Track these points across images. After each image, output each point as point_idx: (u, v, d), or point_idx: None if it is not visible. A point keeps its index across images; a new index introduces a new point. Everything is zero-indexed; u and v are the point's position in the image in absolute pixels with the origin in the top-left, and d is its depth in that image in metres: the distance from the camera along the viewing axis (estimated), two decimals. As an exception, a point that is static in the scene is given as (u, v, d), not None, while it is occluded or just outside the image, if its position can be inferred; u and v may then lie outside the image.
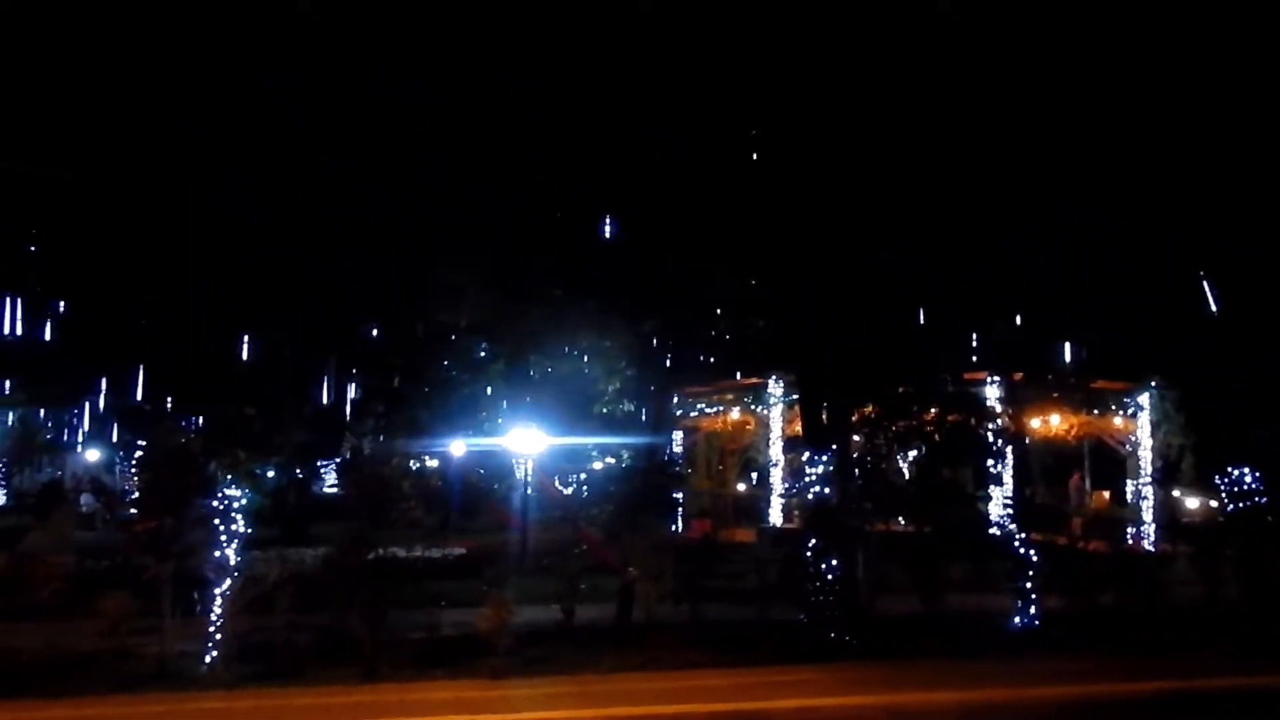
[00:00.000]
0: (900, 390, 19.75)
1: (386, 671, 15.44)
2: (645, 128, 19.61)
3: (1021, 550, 18.96)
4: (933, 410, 20.00)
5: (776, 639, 17.51)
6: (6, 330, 43.94)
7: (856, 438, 20.88)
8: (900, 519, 22.88)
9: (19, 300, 41.32)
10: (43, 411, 53.17)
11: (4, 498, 48.56)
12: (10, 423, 50.77)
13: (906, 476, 21.90)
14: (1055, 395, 30.12)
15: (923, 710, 14.33)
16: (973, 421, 20.27)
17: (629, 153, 19.86)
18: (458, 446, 34.09)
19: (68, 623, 16.16)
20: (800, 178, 18.53)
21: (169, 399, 36.52)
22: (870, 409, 19.92)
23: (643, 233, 20.54)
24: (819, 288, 19.27)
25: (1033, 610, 18.56)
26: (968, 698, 14.50)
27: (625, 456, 25.82)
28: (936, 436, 19.59)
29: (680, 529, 29.85)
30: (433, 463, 45.60)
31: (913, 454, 21.59)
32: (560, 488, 30.81)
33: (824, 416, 19.49)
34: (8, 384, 49.86)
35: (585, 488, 29.12)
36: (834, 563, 17.87)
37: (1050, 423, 32.02)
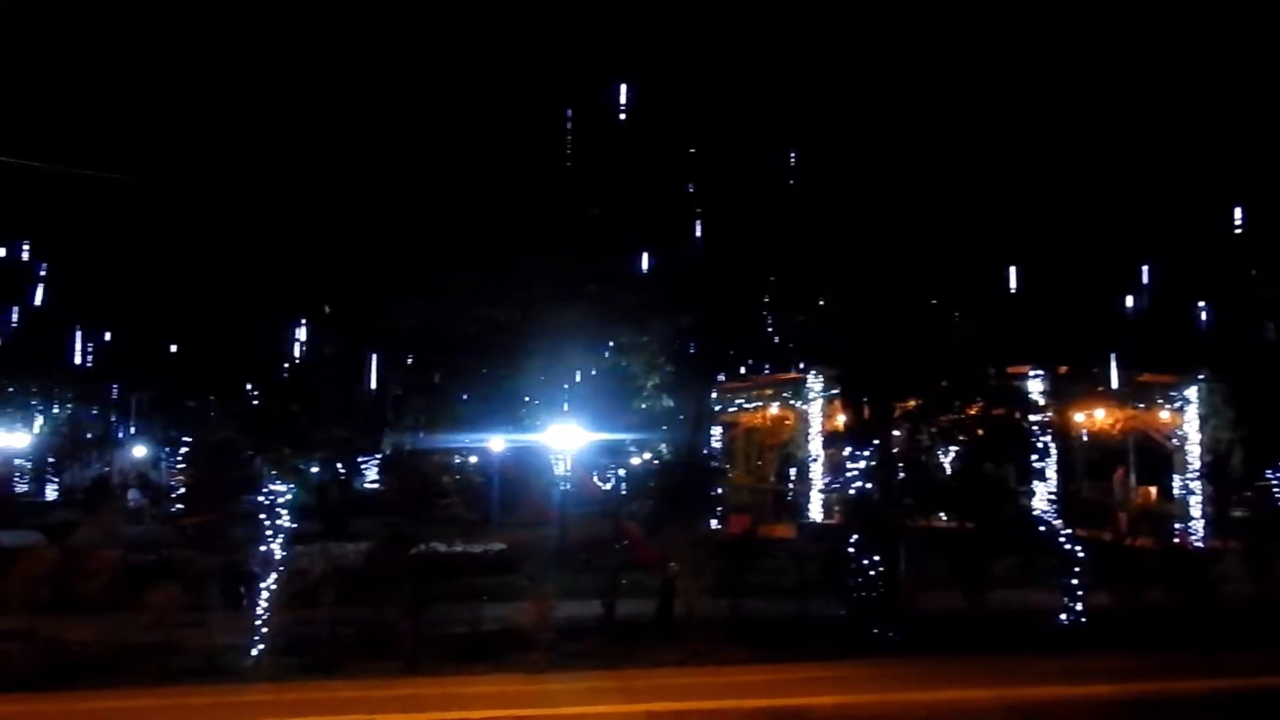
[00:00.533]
0: (943, 384, 19.54)
1: (428, 666, 15.56)
2: (693, 127, 19.57)
3: (1067, 546, 18.71)
4: (976, 404, 19.77)
5: (817, 635, 17.44)
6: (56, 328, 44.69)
7: (898, 432, 20.71)
8: (942, 514, 22.71)
9: (68, 299, 41.98)
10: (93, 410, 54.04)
11: (54, 493, 49.47)
12: (60, 419, 51.64)
13: (948, 471, 21.71)
14: (1100, 389, 29.68)
15: (966, 707, 14.15)
16: (1016, 416, 20.02)
17: (671, 151, 19.83)
18: (497, 442, 34.27)
19: (117, 615, 16.37)
20: (843, 175, 18.40)
21: (214, 396, 36.95)
22: (912, 403, 19.74)
23: (683, 229, 20.49)
24: (860, 282, 19.11)
25: (1079, 607, 18.30)
26: (1013, 695, 14.31)
27: (664, 452, 25.82)
28: (980, 431, 19.37)
29: (719, 524, 29.82)
30: (472, 458, 45.92)
31: (954, 449, 21.42)
32: (599, 483, 30.91)
33: (865, 411, 19.30)
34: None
35: (624, 483, 29.18)
36: (876, 558, 17.76)
37: (1094, 417, 31.59)
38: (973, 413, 19.75)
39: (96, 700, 13.91)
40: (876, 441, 18.89)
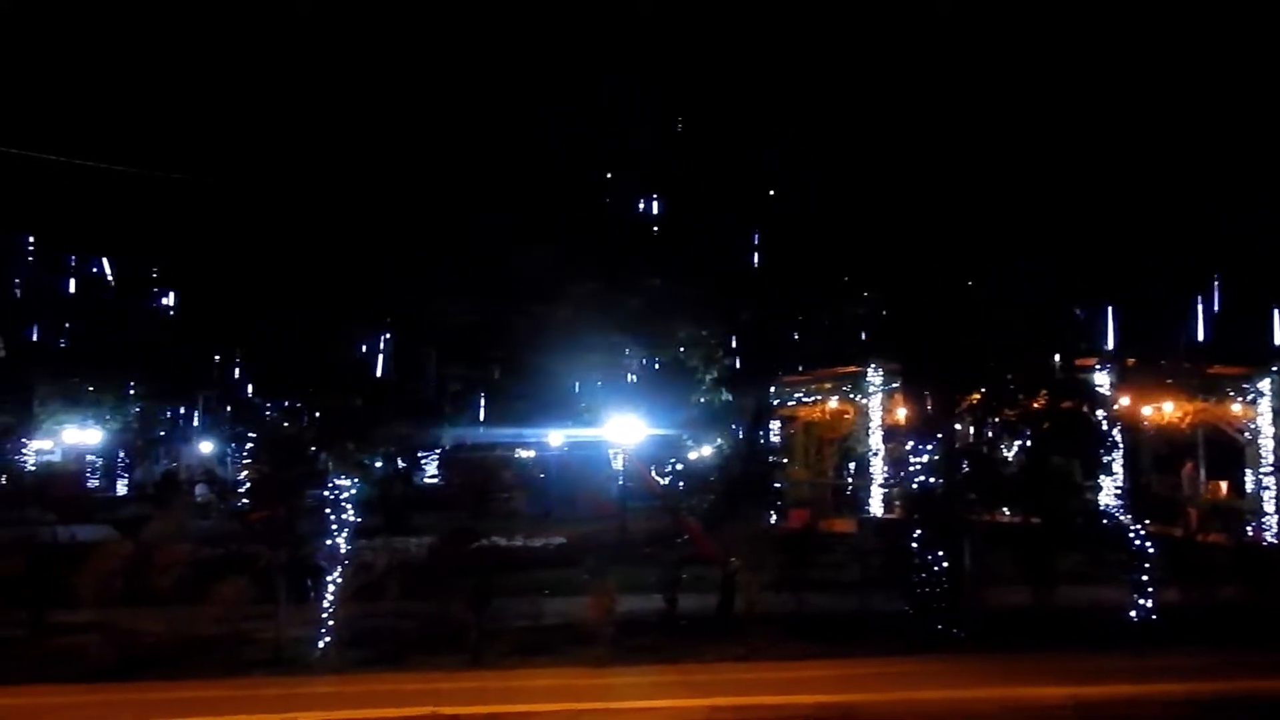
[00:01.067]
0: (1008, 377, 19.22)
1: (491, 659, 15.69)
2: (750, 118, 19.45)
3: (1136, 541, 18.33)
4: (1042, 397, 19.43)
5: (881, 631, 17.27)
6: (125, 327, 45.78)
7: (960, 426, 20.43)
8: (1005, 509, 22.37)
9: (138, 297, 42.97)
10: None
11: (124, 488, 50.65)
12: (130, 416, 52.80)
13: (1011, 465, 21.38)
14: (1169, 381, 29.03)
15: (1036, 705, 13.89)
16: (1084, 408, 19.65)
17: (729, 144, 19.73)
18: (556, 436, 34.42)
19: (187, 608, 16.67)
20: (903, 164, 18.16)
21: (278, 392, 37.58)
22: (976, 396, 19.46)
23: (742, 222, 20.39)
24: (922, 274, 18.86)
25: (1149, 604, 17.93)
26: (1084, 693, 14.03)
27: (723, 446, 25.69)
28: (1046, 424, 19.03)
29: (778, 519, 29.65)
30: (531, 453, 46.21)
31: (1017, 442, 21.08)
32: (656, 478, 30.87)
33: (928, 405, 19.05)
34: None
35: (682, 477, 29.11)
36: (940, 553, 17.55)
37: (1163, 409, 30.91)
38: (1038, 405, 19.40)
39: (169, 691, 14.20)
40: (939, 435, 18.63)
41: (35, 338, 49.96)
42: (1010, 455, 21.53)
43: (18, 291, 48.02)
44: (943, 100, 18.08)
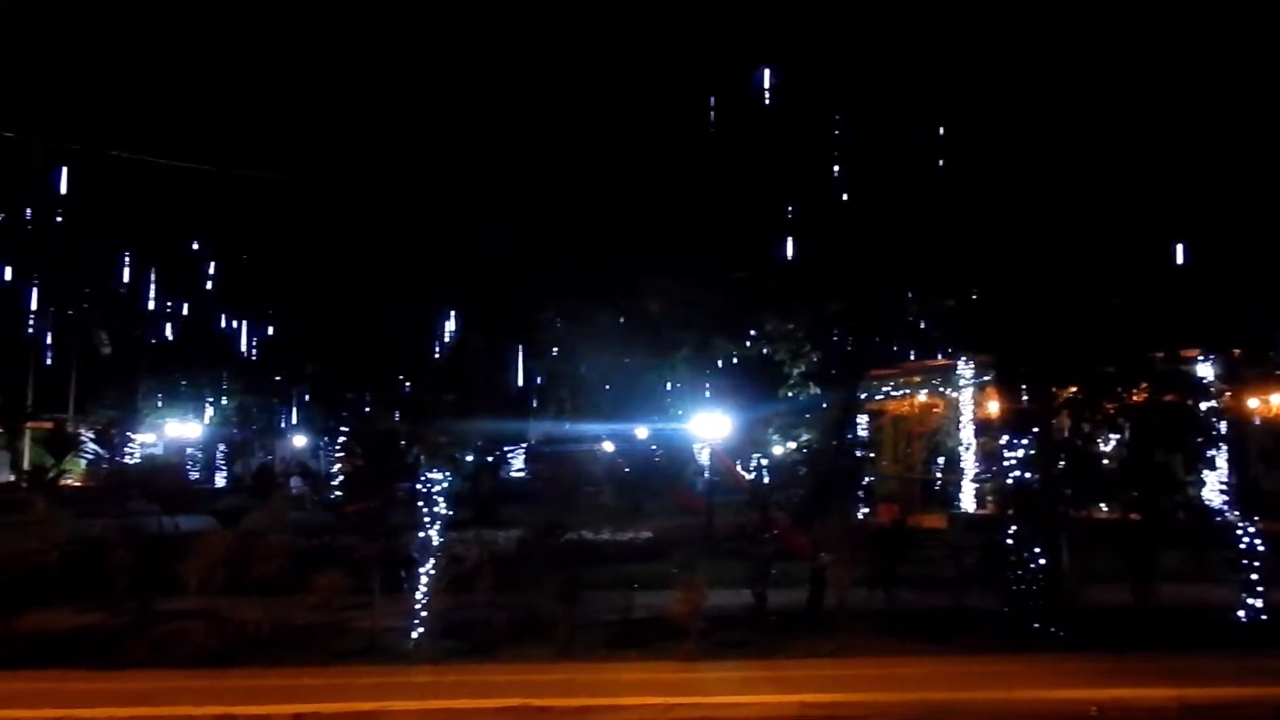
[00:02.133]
0: (1107, 370, 18.66)
1: (581, 651, 15.77)
2: (841, 110, 19.20)
3: (1243, 538, 17.66)
4: (1143, 390, 18.83)
5: (975, 628, 16.92)
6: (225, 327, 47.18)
7: (1056, 420, 19.90)
8: (1104, 505, 21.74)
9: (235, 297, 44.20)
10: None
11: (222, 480, 52.22)
12: (229, 411, 54.43)
13: (1108, 460, 20.78)
14: (1278, 373, 27.93)
15: (1140, 706, 13.48)
16: (1188, 402, 18.99)
17: (818, 135, 19.49)
18: (642, 431, 34.49)
19: (286, 598, 17.10)
20: (997, 153, 17.74)
21: (371, 387, 38.32)
22: (1073, 389, 18.93)
23: (828, 214, 20.12)
24: (1016, 264, 18.41)
25: (1258, 603, 17.26)
26: (1190, 695, 13.57)
27: (810, 441, 25.47)
28: (1147, 418, 18.43)
29: (867, 514, 29.28)
30: (617, 447, 46.40)
31: (1115, 437, 20.48)
32: (742, 472, 30.75)
33: (1023, 398, 18.59)
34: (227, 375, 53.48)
35: (768, 472, 28.94)
36: (1036, 550, 17.14)
37: (1270, 402, 29.77)
38: (1139, 398, 18.81)
39: (269, 678, 14.57)
40: (1035, 429, 18.16)
41: (138, 335, 51.76)
42: (1109, 449, 20.95)
43: (121, 290, 49.76)
44: (1038, 87, 17.63)
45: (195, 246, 43.11)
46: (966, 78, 18.03)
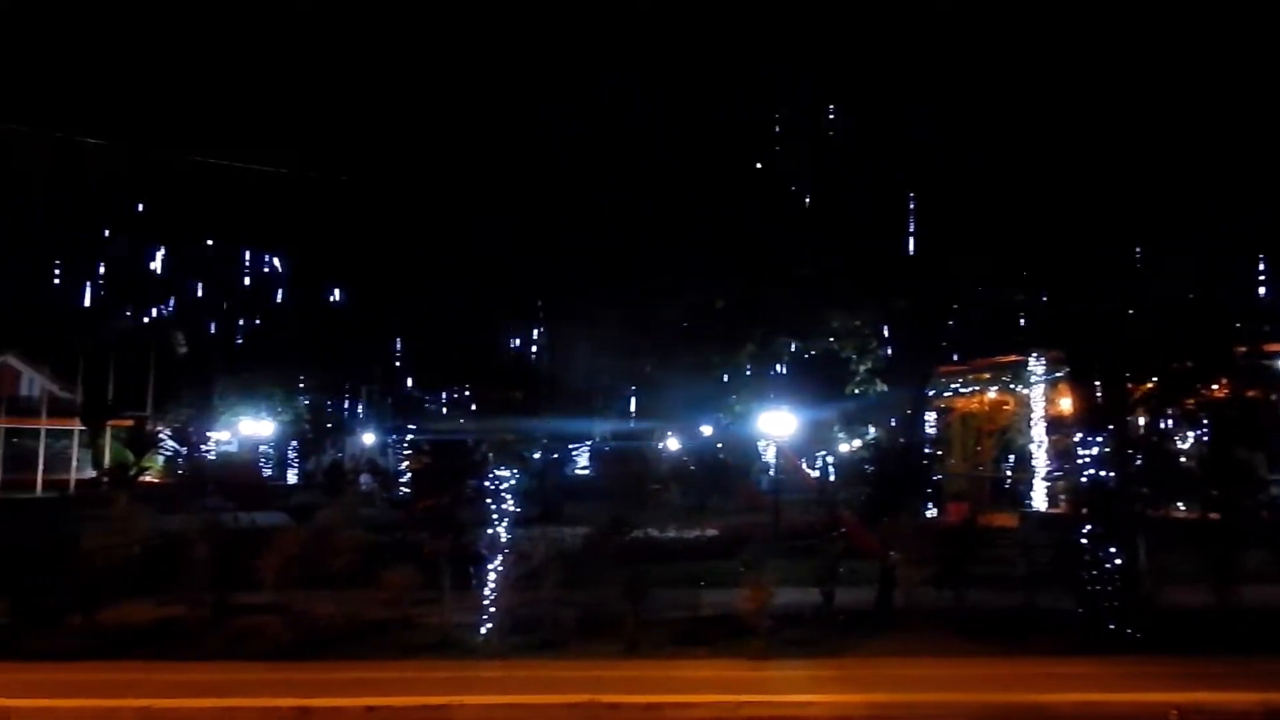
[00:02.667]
0: (1186, 365, 18.19)
1: (648, 649, 15.78)
2: (903, 100, 18.92)
3: (1332, 539, 17.14)
4: (1223, 385, 18.33)
5: (1048, 629, 16.65)
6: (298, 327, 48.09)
7: (1132, 416, 19.47)
8: (1182, 504, 21.24)
9: (308, 295, 44.99)
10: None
11: (293, 477, 53.27)
12: (301, 410, 55.46)
13: (1186, 457, 20.29)
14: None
15: (1222, 711, 13.10)
16: (1271, 396, 18.45)
17: (882, 128, 19.25)
18: (708, 429, 34.46)
19: (358, 592, 17.36)
20: (1066, 140, 17.32)
21: (438, 386, 38.78)
22: (1150, 385, 18.49)
23: (898, 209, 19.86)
24: (1089, 257, 17.99)
25: (1348, 606, 16.73)
26: (1275, 700, 13.15)
27: (878, 438, 25.27)
28: (1228, 414, 17.94)
29: (936, 513, 28.96)
30: (682, 444, 46.40)
31: (1193, 434, 19.99)
32: (808, 470, 30.58)
33: (1097, 394, 18.19)
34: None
35: (834, 469, 28.72)
36: (1112, 550, 16.78)
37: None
38: (1219, 394, 18.31)
39: (343, 671, 14.80)
40: (1110, 426, 17.76)
41: (213, 334, 52.94)
42: (1187, 447, 20.47)
43: (198, 290, 50.94)
44: (1109, 72, 17.18)
45: (265, 247, 43.98)
46: (1038, 64, 17.62)
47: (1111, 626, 16.29)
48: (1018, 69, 18.13)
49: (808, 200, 21.37)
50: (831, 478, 26.63)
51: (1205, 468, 18.78)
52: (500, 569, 16.58)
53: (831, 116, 20.13)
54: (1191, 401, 18.39)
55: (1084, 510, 17.86)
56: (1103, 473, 17.43)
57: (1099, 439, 17.60)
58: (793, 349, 26.89)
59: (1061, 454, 26.02)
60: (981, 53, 18.61)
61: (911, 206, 20.22)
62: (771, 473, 42.90)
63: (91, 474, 49.65)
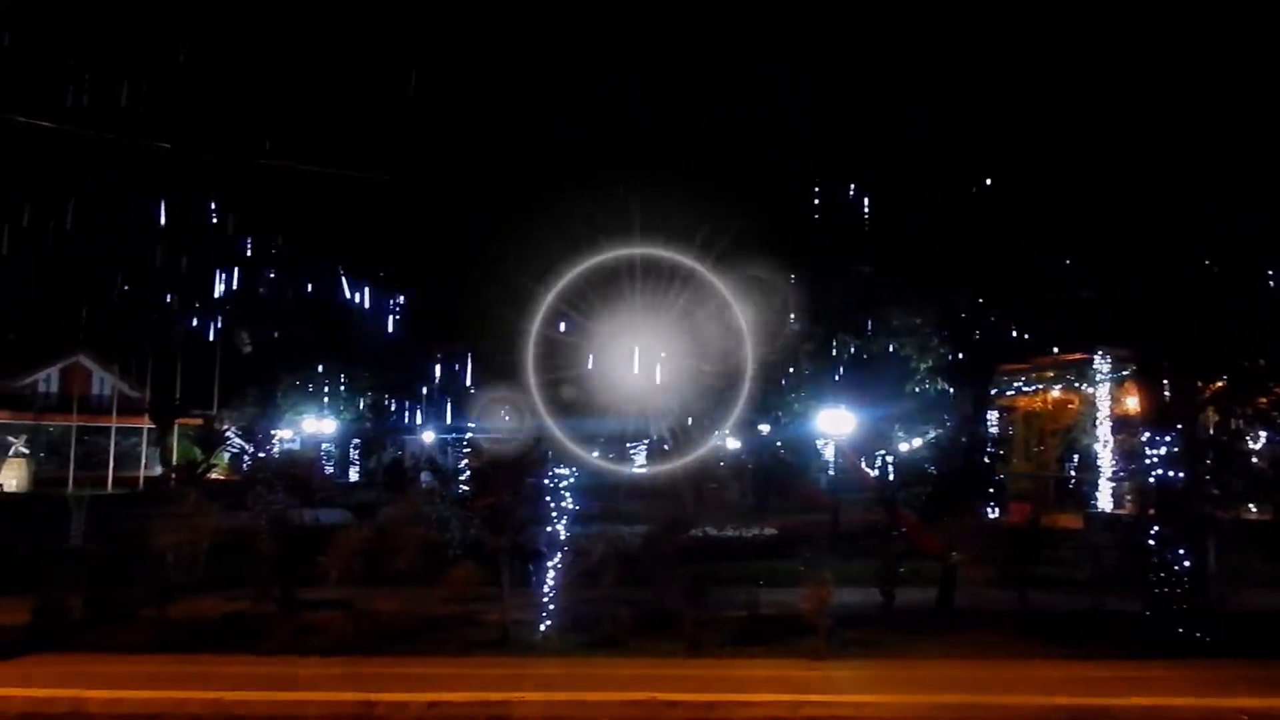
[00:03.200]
0: (1259, 362, 17.75)
1: (707, 648, 15.79)
2: (966, 89, 18.63)
3: None
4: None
5: (1114, 632, 16.37)
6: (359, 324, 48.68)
7: (1201, 415, 19.06)
8: (1253, 505, 20.77)
9: (368, 296, 45.50)
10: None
11: (355, 475, 54.03)
12: (363, 408, 56.23)
13: (1258, 458, 19.84)
14: None
15: (1296, 717, 12.85)
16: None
17: (947, 120, 18.96)
18: (766, 427, 34.30)
19: (420, 589, 17.56)
20: (1131, 126, 16.94)
21: (506, 384, 38.94)
22: (1220, 384, 18.08)
23: (957, 202, 19.57)
24: (1155, 251, 17.61)
25: None
26: (1352, 706, 12.87)
27: (938, 437, 24.99)
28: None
29: (999, 513, 28.61)
30: (738, 444, 46.25)
31: (1265, 434, 19.54)
32: (867, 469, 30.34)
33: (1165, 393, 17.83)
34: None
35: (894, 468, 28.46)
36: (1181, 551, 16.45)
37: None
38: (1296, 393, 17.87)
39: (405, 666, 15.01)
40: (1179, 425, 17.40)
41: (277, 335, 53.82)
42: (1258, 447, 20.01)
43: (262, 290, 51.80)
44: (1174, 53, 16.75)
45: (327, 249, 44.54)
46: (1109, 53, 17.23)
47: (1180, 630, 15.97)
48: (1094, 58, 17.73)
49: (868, 199, 21.17)
50: (891, 477, 26.34)
51: (1277, 468, 18.36)
52: (559, 567, 16.71)
53: (896, 113, 19.89)
54: (1264, 400, 17.94)
55: (1151, 511, 17.54)
56: (1171, 473, 17.08)
57: (1167, 438, 17.26)
58: (852, 349, 26.67)
59: (1127, 454, 25.51)
60: (1052, 42, 18.26)
61: (981, 201, 19.90)
62: (830, 472, 42.69)
63: (159, 471, 50.85)
